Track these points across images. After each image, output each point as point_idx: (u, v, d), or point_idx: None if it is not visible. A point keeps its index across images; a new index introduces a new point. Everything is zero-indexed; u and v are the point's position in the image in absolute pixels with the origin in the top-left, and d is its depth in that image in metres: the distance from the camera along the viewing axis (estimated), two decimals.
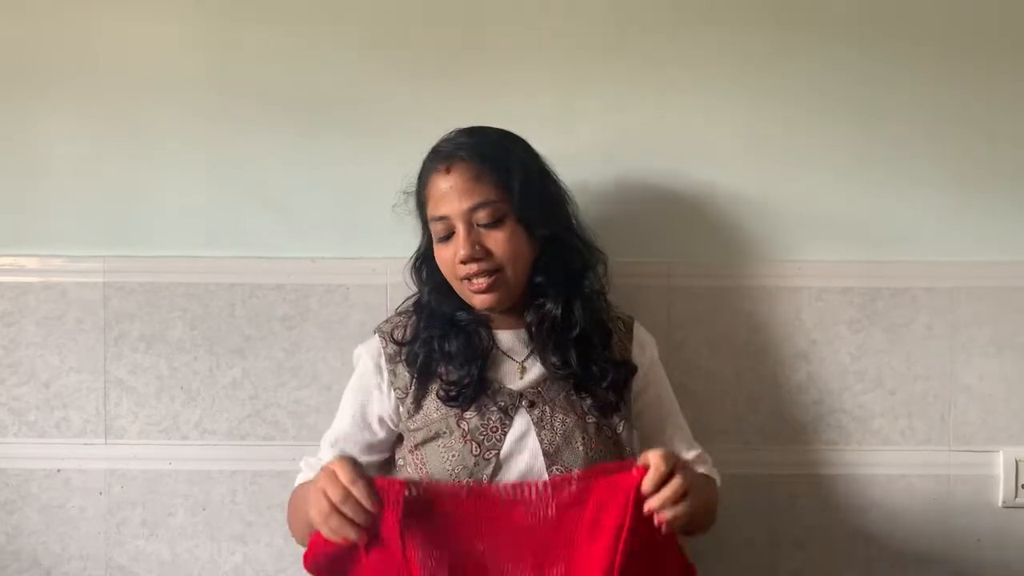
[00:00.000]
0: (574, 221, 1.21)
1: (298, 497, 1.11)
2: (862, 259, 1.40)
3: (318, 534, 0.95)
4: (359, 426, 1.17)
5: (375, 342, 1.19)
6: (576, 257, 1.18)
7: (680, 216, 1.40)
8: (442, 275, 1.17)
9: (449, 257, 1.12)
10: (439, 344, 1.13)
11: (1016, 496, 1.39)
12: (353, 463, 0.93)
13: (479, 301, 1.12)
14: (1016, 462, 1.38)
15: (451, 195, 1.10)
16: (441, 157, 1.13)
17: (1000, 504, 1.39)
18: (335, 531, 0.92)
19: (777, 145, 1.40)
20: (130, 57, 1.39)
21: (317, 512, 0.92)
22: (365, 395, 1.17)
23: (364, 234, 1.40)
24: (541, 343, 1.13)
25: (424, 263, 1.22)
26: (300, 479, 1.17)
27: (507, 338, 1.16)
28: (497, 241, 1.10)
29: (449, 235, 1.11)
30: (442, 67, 1.39)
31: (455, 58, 1.39)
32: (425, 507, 0.95)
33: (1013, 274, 1.40)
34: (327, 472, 0.92)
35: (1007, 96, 1.40)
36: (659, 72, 1.39)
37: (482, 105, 1.36)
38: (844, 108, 1.39)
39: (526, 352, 1.15)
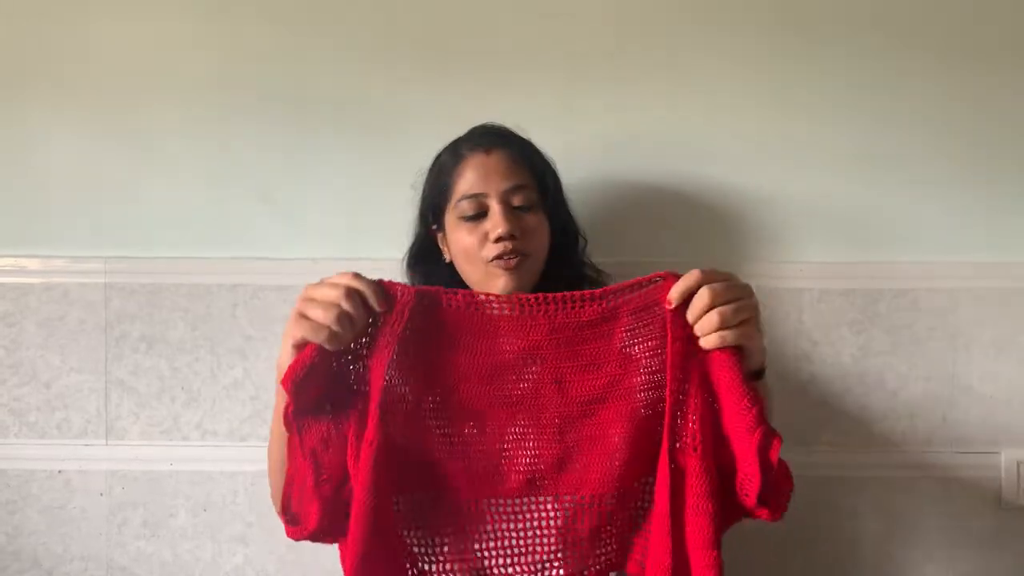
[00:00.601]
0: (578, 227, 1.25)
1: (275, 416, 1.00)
2: (864, 260, 1.39)
3: (309, 347, 0.88)
4: None
5: None
6: (579, 260, 1.23)
7: (681, 217, 1.40)
8: (442, 274, 1.17)
9: (474, 240, 1.10)
10: None
11: (1018, 497, 1.38)
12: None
13: (504, 282, 1.10)
14: (1018, 463, 1.38)
15: (491, 174, 1.11)
16: (478, 142, 1.14)
17: (1001, 506, 1.39)
18: (335, 334, 0.86)
19: (778, 146, 1.40)
20: (131, 58, 1.39)
21: (316, 309, 0.86)
22: None
23: (365, 235, 1.39)
24: None
25: (420, 263, 1.22)
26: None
27: None
28: (530, 224, 1.11)
29: (478, 215, 1.11)
30: (443, 67, 1.39)
31: (456, 58, 1.39)
32: (433, 319, 0.91)
33: (1014, 275, 1.39)
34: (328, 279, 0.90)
35: (1009, 96, 1.39)
36: (659, 73, 1.39)
37: (483, 105, 1.36)
38: (846, 109, 1.39)
39: None
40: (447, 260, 1.18)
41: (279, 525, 1.37)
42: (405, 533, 0.94)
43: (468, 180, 1.12)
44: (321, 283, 0.89)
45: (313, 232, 1.40)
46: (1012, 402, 1.40)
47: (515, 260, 1.09)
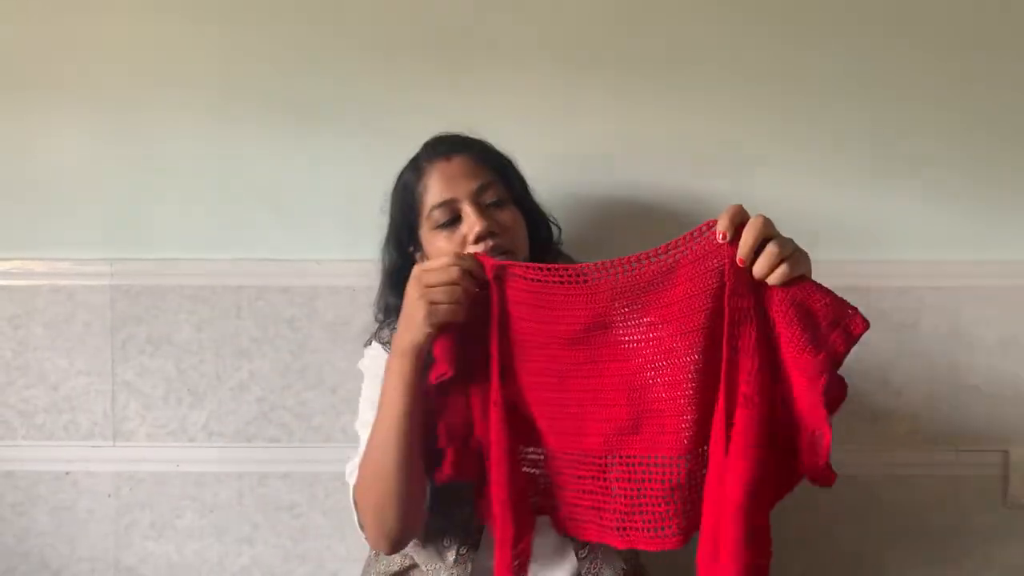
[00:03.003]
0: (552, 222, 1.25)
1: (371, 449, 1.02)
2: (867, 259, 1.39)
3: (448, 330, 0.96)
4: None
5: (384, 351, 1.15)
6: (556, 250, 1.23)
7: (685, 217, 1.39)
8: None
9: (453, 246, 1.09)
10: None
11: (1022, 495, 1.38)
12: None
13: None
14: (1023, 461, 1.38)
15: (457, 178, 1.11)
16: (436, 151, 1.15)
17: (1006, 503, 1.39)
18: (460, 310, 0.94)
19: (782, 146, 1.40)
20: (135, 60, 1.39)
21: (441, 295, 0.94)
22: None
23: (370, 236, 1.38)
24: None
25: (398, 288, 1.17)
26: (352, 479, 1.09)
27: None
28: (506, 219, 1.11)
29: (452, 221, 1.10)
30: (446, 68, 1.39)
31: (458, 59, 1.39)
32: (514, 289, 0.97)
33: (1019, 273, 1.39)
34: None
35: (1012, 96, 1.39)
36: (662, 73, 1.39)
37: (485, 105, 1.37)
38: (849, 108, 1.39)
39: None
40: None
41: (285, 525, 1.39)
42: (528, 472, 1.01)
43: (435, 189, 1.12)
44: (431, 270, 0.96)
45: (317, 233, 1.40)
46: (1017, 400, 1.39)
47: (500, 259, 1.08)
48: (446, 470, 1.01)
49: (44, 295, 1.40)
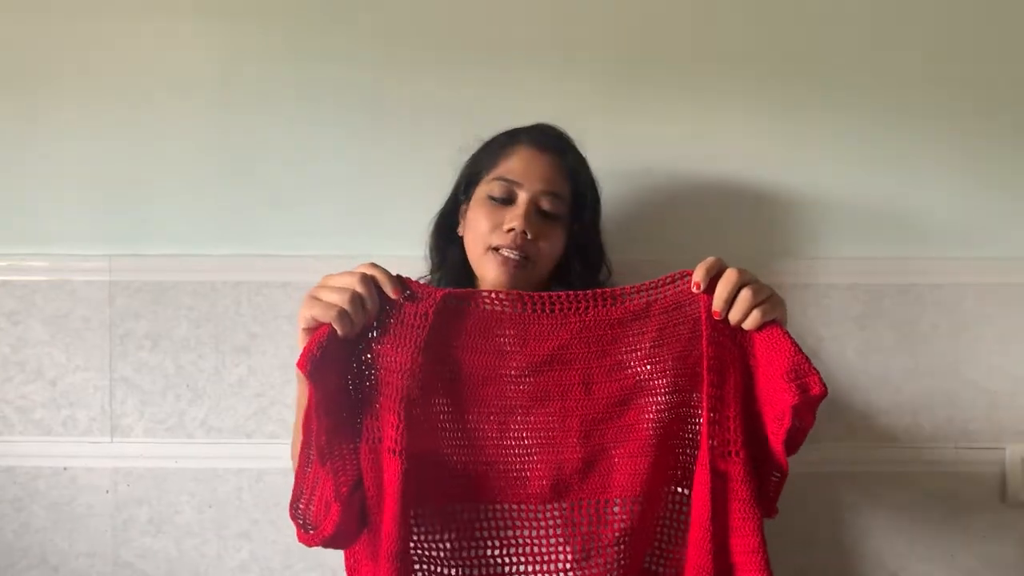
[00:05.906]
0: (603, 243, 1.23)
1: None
2: (869, 256, 1.39)
3: (322, 327, 0.87)
4: None
5: None
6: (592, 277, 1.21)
7: (686, 215, 1.40)
8: (456, 255, 1.17)
9: (488, 222, 1.10)
10: None
11: (1021, 492, 1.38)
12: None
13: (497, 275, 1.09)
14: (1022, 459, 1.38)
15: (535, 170, 1.11)
16: (536, 137, 1.15)
17: (1006, 501, 1.39)
18: (345, 313, 0.85)
19: (783, 143, 1.40)
20: (135, 55, 1.39)
21: (328, 293, 0.86)
22: None
23: (369, 232, 1.40)
24: None
25: (442, 230, 1.22)
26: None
27: None
28: (547, 235, 1.11)
29: (504, 200, 1.11)
30: (452, 65, 1.39)
31: (466, 56, 1.39)
32: (457, 322, 0.91)
33: (1018, 270, 1.40)
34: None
35: (1014, 92, 1.39)
36: (663, 71, 1.39)
37: (491, 102, 1.36)
38: (851, 105, 1.39)
39: None
40: (459, 233, 1.19)
41: (284, 521, 1.39)
42: (420, 545, 0.92)
43: (510, 165, 1.12)
44: (337, 274, 0.90)
45: (317, 229, 1.40)
46: (1017, 397, 1.40)
47: (516, 262, 1.09)
48: (327, 527, 0.88)
49: (43, 291, 1.39)
